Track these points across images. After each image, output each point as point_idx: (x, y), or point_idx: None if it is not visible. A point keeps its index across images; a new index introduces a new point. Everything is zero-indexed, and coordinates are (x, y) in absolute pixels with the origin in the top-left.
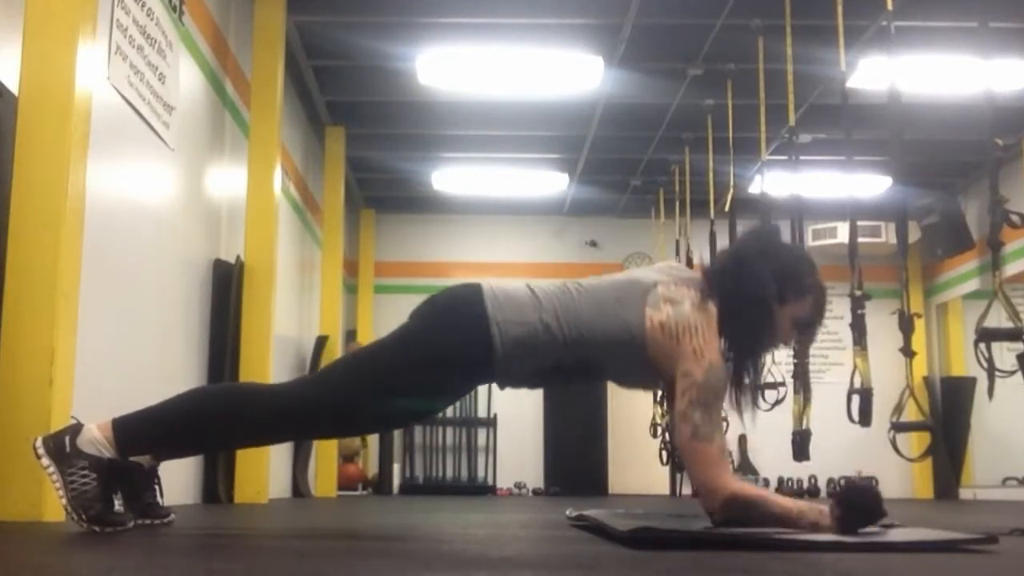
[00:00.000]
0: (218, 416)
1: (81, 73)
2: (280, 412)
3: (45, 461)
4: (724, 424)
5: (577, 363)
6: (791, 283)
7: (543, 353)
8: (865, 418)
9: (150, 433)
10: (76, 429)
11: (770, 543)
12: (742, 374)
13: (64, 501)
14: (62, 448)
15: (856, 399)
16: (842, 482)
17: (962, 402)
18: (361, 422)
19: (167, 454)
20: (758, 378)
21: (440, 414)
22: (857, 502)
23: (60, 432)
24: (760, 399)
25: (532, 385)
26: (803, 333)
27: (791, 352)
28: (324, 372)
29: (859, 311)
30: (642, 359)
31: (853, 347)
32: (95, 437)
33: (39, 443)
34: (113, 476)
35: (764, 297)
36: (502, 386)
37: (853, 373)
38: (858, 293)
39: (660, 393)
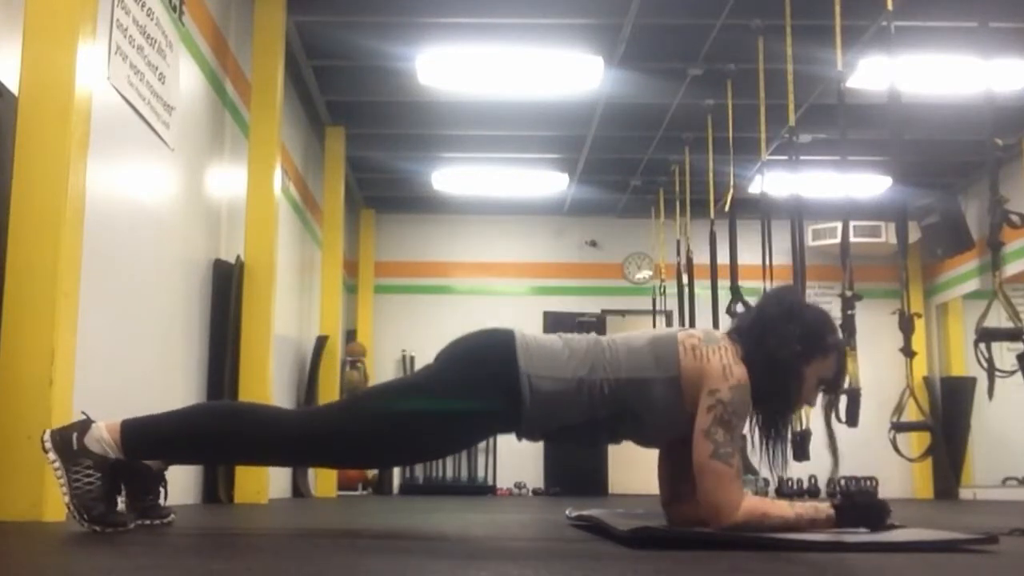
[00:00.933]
0: (227, 436)
1: (81, 73)
2: (292, 440)
3: (51, 456)
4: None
5: (611, 415)
6: (814, 343)
7: (573, 409)
8: (852, 418)
9: (157, 442)
10: (84, 426)
11: (770, 543)
12: (772, 434)
13: (67, 499)
14: (69, 444)
15: (844, 399)
16: (842, 482)
17: (962, 402)
18: (373, 459)
19: (174, 461)
20: (787, 435)
21: None
22: (860, 501)
23: (68, 427)
24: (787, 452)
25: (555, 440)
26: (828, 391)
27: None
28: (341, 404)
29: (849, 311)
30: (677, 399)
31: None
32: (103, 437)
33: (47, 436)
34: (117, 477)
35: (790, 358)
36: (522, 438)
37: None
38: (848, 293)
39: None
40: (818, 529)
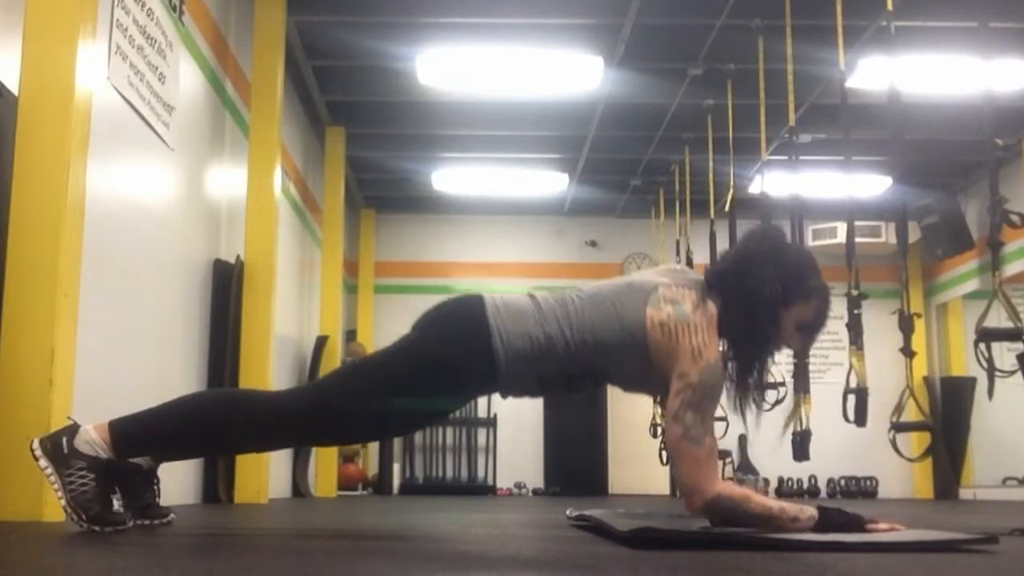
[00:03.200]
0: (216, 422)
1: (81, 73)
2: (280, 418)
3: (43, 463)
4: (724, 424)
5: (581, 369)
6: (796, 286)
7: (546, 362)
8: (860, 418)
9: (147, 436)
10: (73, 430)
11: (770, 543)
12: (745, 377)
13: (63, 502)
14: (59, 449)
15: (852, 399)
16: (842, 483)
17: (962, 402)
18: (361, 430)
19: (164, 457)
20: (762, 381)
21: None
22: (838, 513)
23: (57, 433)
24: (761, 401)
25: (535, 394)
26: (806, 336)
27: (791, 353)
28: (326, 379)
29: (855, 311)
30: (644, 361)
31: (849, 347)
32: (92, 438)
33: (36, 444)
34: (111, 476)
35: (769, 299)
36: (504, 395)
37: (849, 373)
38: (855, 293)
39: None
40: (800, 527)
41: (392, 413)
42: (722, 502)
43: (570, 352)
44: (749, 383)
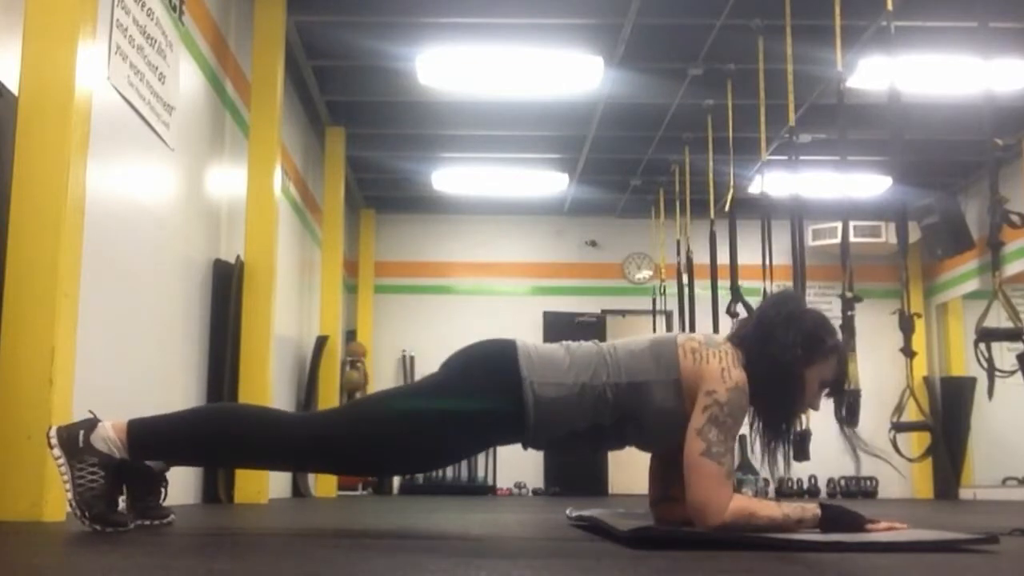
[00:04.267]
0: (235, 437)
1: (81, 73)
2: (298, 441)
3: (56, 452)
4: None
5: (614, 418)
6: (815, 346)
7: (577, 415)
8: (852, 417)
9: (164, 443)
10: (91, 424)
11: (770, 543)
12: (775, 440)
13: (69, 496)
14: (75, 442)
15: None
16: (842, 482)
17: (962, 402)
18: (377, 465)
19: (178, 463)
20: (789, 440)
21: None
22: (840, 510)
23: (75, 425)
24: (790, 457)
25: (563, 448)
26: (832, 393)
27: None
28: (352, 409)
29: (849, 312)
30: (678, 400)
31: None
32: (109, 436)
33: (53, 432)
34: (121, 476)
35: (792, 362)
36: (528, 447)
37: None
38: (849, 295)
39: None
40: (805, 528)
41: (413, 452)
42: (732, 526)
43: (603, 399)
44: (777, 442)
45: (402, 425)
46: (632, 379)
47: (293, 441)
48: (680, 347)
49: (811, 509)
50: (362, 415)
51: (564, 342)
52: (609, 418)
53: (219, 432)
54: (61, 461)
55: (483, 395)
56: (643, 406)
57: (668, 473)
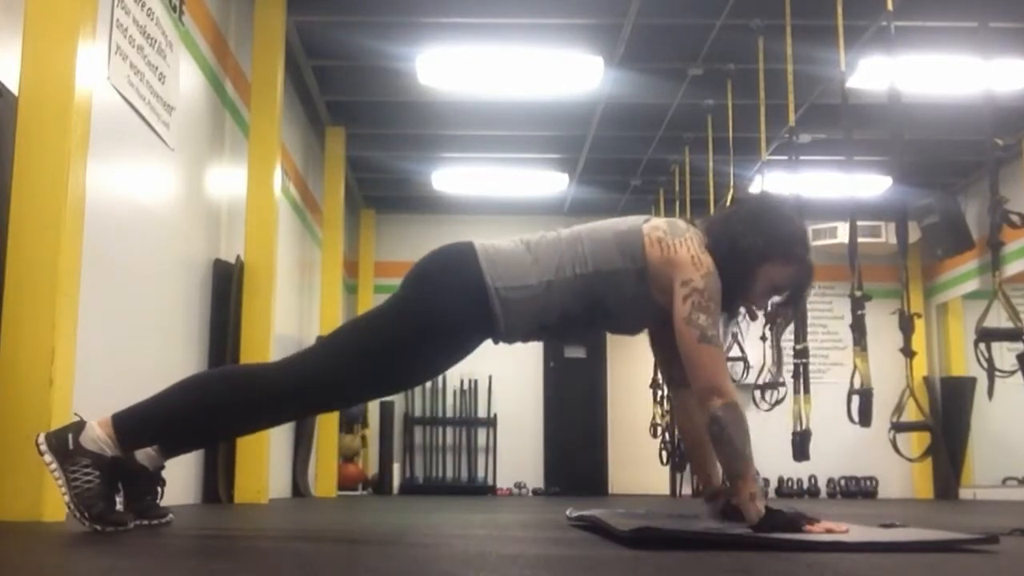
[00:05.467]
0: (218, 400)
1: (81, 73)
2: (281, 389)
3: (47, 457)
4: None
5: (581, 307)
6: (779, 245)
7: (546, 310)
8: (865, 418)
9: (150, 425)
10: (79, 426)
11: (770, 543)
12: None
13: (67, 498)
14: (65, 445)
15: (856, 399)
16: (842, 482)
17: (962, 402)
18: (362, 393)
19: (170, 446)
20: (725, 333)
21: (440, 414)
22: (779, 514)
23: (63, 429)
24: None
25: (536, 339)
26: (781, 305)
27: (792, 353)
28: (323, 345)
29: (859, 311)
30: (643, 283)
31: (853, 347)
32: (97, 435)
33: (41, 439)
34: (115, 474)
35: (749, 249)
36: (498, 342)
37: (853, 373)
38: (858, 294)
39: (661, 394)
40: (747, 508)
41: (393, 373)
42: (735, 410)
43: (572, 290)
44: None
45: (379, 346)
46: (598, 268)
47: (279, 388)
48: (646, 236)
49: (761, 504)
50: (339, 347)
51: (523, 237)
52: (579, 307)
53: (204, 396)
54: (54, 466)
55: (451, 304)
56: (609, 293)
57: (670, 356)
